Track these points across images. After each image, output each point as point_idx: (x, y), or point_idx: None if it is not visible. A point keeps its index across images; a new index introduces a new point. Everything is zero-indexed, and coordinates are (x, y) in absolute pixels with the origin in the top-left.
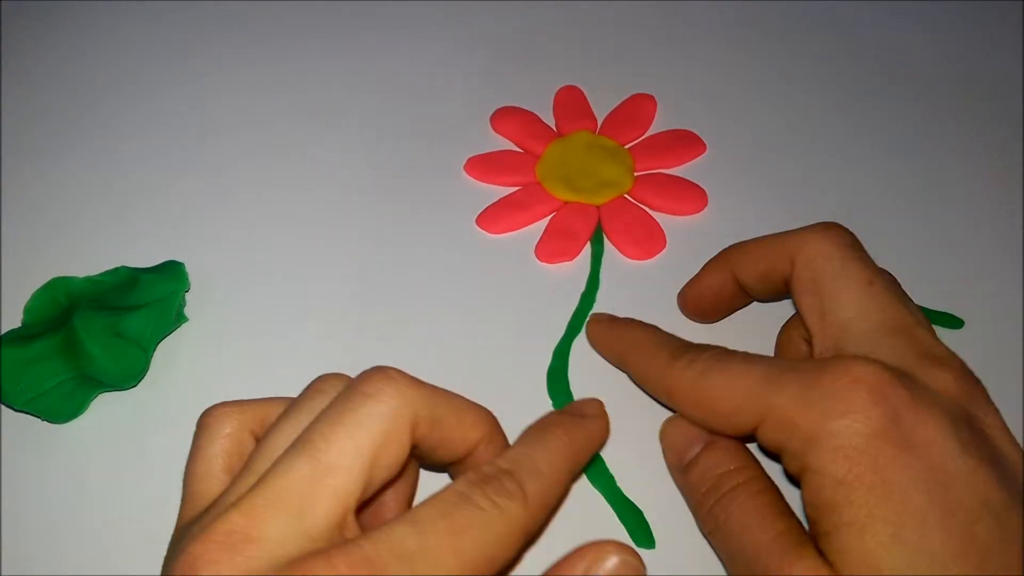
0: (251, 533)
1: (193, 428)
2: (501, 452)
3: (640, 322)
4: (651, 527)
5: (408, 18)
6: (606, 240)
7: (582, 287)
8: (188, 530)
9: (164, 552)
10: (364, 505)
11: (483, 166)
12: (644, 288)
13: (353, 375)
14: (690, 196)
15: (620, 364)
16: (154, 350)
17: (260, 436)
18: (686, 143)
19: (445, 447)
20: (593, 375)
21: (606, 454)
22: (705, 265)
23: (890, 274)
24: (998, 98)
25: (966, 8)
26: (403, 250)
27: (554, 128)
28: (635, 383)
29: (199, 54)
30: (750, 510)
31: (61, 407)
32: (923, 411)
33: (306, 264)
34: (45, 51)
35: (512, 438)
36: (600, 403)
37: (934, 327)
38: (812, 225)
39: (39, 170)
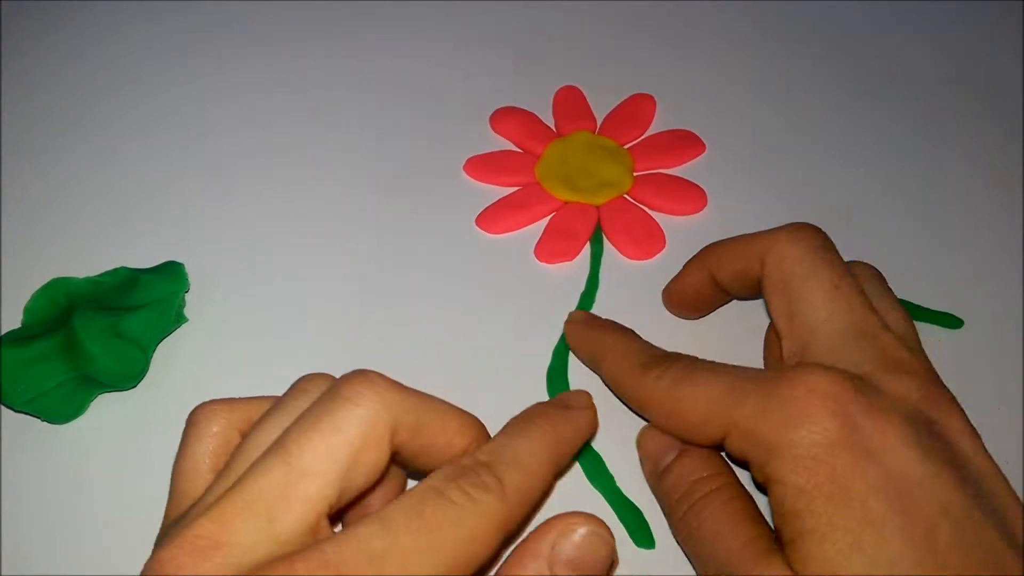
0: (219, 539)
1: None
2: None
3: (616, 325)
4: (651, 527)
5: (408, 18)
6: (606, 240)
7: (582, 287)
8: (167, 532)
9: None
10: (348, 508)
11: (483, 166)
12: (644, 288)
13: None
14: (690, 196)
15: (594, 367)
16: (154, 350)
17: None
18: (686, 143)
19: (428, 454)
20: (593, 375)
21: (606, 454)
22: (686, 264)
23: (871, 271)
24: (998, 98)
25: (966, 8)
26: (403, 250)
27: (554, 128)
28: (607, 387)
29: (199, 54)
30: (722, 516)
31: (61, 407)
32: (881, 418)
33: (306, 264)
34: (45, 51)
35: None
36: (588, 395)
37: (934, 327)
38: (784, 226)
39: (39, 170)
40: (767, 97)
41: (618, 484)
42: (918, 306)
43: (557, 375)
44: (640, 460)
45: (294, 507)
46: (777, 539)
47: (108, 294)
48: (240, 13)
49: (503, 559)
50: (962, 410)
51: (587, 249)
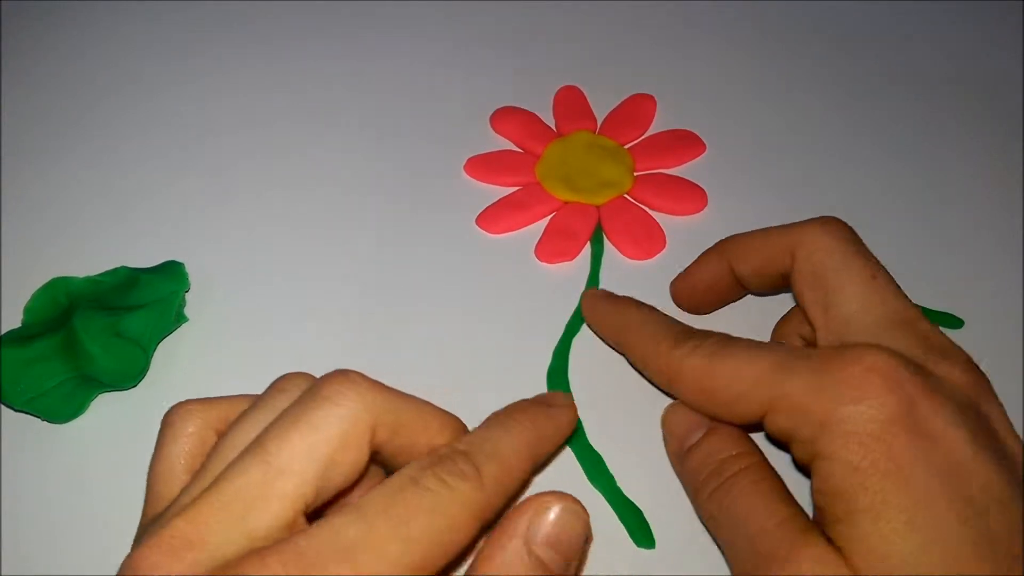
0: (192, 538)
1: None
2: None
3: (639, 302)
4: (651, 527)
5: (408, 18)
6: (606, 240)
7: (582, 287)
8: (144, 532)
9: None
10: (327, 507)
11: (483, 166)
12: (644, 288)
13: None
14: (690, 196)
15: (618, 345)
16: (154, 350)
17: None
18: (686, 143)
19: (408, 453)
20: (593, 375)
21: (606, 454)
22: (700, 256)
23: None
24: (998, 98)
25: (966, 8)
26: (403, 250)
27: (554, 128)
28: (632, 366)
29: (199, 54)
30: (753, 496)
31: (61, 407)
32: (936, 400)
33: (306, 264)
34: (45, 51)
35: None
36: (569, 396)
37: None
38: (812, 219)
39: (39, 170)
40: (767, 97)
41: (618, 484)
42: (918, 306)
43: (557, 375)
44: (664, 438)
45: (271, 505)
46: (817, 519)
47: (108, 294)
48: (240, 13)
49: (479, 546)
50: (1000, 401)
51: (587, 249)
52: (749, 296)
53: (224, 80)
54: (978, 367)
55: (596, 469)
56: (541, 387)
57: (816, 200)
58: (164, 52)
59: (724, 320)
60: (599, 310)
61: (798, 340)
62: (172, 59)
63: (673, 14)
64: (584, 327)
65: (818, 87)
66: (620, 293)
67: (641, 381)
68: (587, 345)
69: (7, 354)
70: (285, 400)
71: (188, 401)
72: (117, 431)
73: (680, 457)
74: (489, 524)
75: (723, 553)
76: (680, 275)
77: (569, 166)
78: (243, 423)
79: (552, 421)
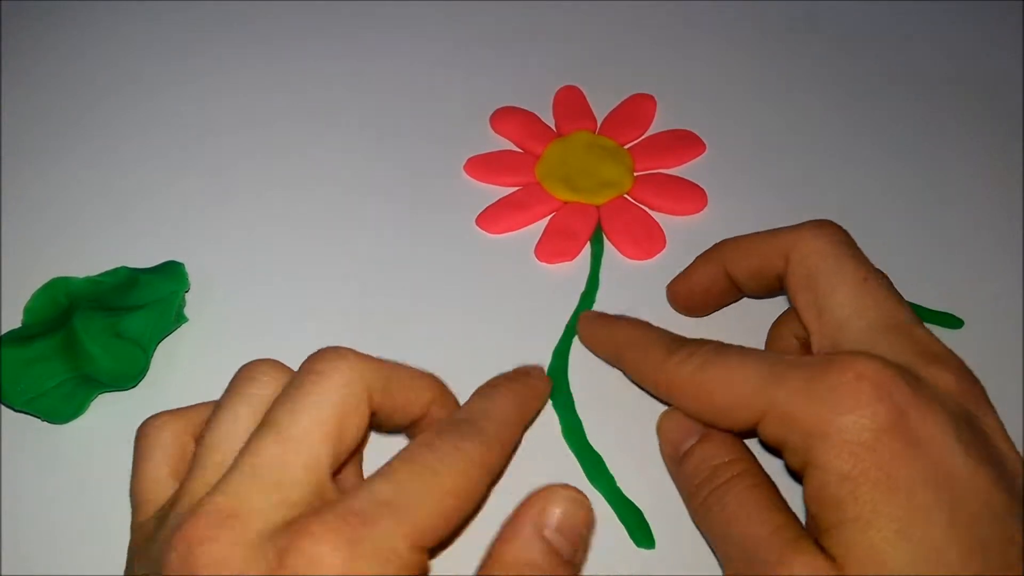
0: (235, 509)
1: None
2: (453, 410)
3: (632, 319)
4: (651, 527)
5: (408, 18)
6: (606, 240)
7: (582, 287)
8: (161, 524)
9: None
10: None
11: (483, 166)
12: (644, 288)
13: None
14: (690, 196)
15: (615, 361)
16: (154, 350)
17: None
18: (686, 143)
19: (401, 411)
20: (593, 375)
21: (606, 454)
22: (696, 259)
23: (882, 273)
24: (998, 98)
25: (966, 8)
26: (403, 250)
27: (554, 128)
28: (631, 380)
29: (199, 54)
30: (746, 502)
31: (61, 407)
32: (926, 409)
33: (306, 264)
34: (45, 51)
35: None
36: (540, 368)
37: (934, 327)
38: (806, 222)
39: (39, 170)
40: (767, 97)
41: (618, 484)
42: (918, 306)
43: (557, 375)
44: (660, 444)
45: (298, 474)
46: (810, 526)
47: (108, 294)
48: (240, 13)
49: (497, 531)
50: (994, 407)
51: (587, 249)
52: (745, 298)
53: (224, 80)
54: (971, 373)
55: (596, 469)
56: None
57: (816, 200)
58: (164, 52)
59: (720, 322)
60: (593, 331)
61: (794, 341)
62: (172, 59)
63: (673, 14)
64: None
65: (818, 87)
66: (620, 293)
67: None
68: None
69: (7, 354)
70: (259, 387)
71: (158, 414)
72: (117, 431)
73: (675, 462)
74: (496, 476)
75: (716, 557)
76: (676, 278)
77: (569, 166)
78: (224, 414)
79: (530, 388)
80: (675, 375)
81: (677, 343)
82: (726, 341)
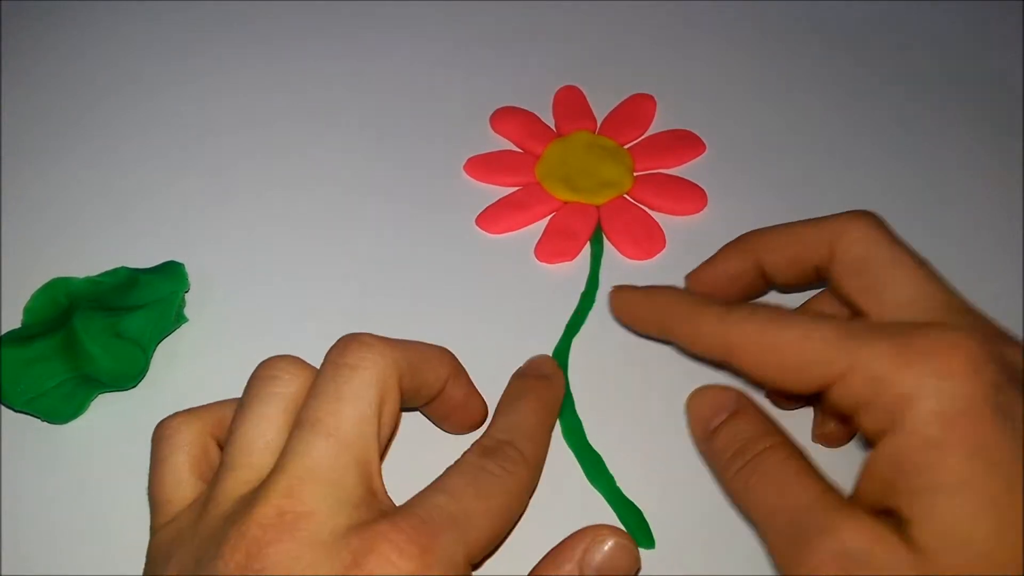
0: (299, 510)
1: None
2: (468, 390)
3: (668, 286)
4: (651, 527)
5: (408, 18)
6: (606, 240)
7: (582, 287)
8: (197, 524)
9: None
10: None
11: (483, 166)
12: None
13: None
14: (690, 196)
15: (660, 329)
16: (154, 350)
17: (221, 437)
18: (686, 143)
19: (424, 389)
20: (593, 375)
21: (606, 454)
22: (722, 249)
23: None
24: (998, 98)
25: (966, 8)
26: (403, 250)
27: (554, 128)
28: (680, 347)
29: (199, 54)
30: (784, 471)
31: (61, 407)
32: (1016, 386)
33: (306, 264)
34: (45, 51)
35: None
36: (552, 360)
37: None
38: (847, 212)
39: (39, 170)
40: (767, 97)
41: (618, 484)
42: None
43: None
44: (689, 423)
45: (351, 473)
46: (864, 493)
47: (108, 294)
48: (240, 13)
49: (538, 562)
50: None
51: (587, 249)
52: (788, 293)
53: (224, 80)
54: None
55: (596, 469)
56: None
57: (816, 200)
58: (164, 52)
59: None
60: (631, 302)
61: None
62: (172, 59)
63: (673, 14)
64: (584, 327)
65: (818, 87)
66: None
67: (641, 381)
68: (587, 345)
69: (7, 354)
70: (281, 386)
71: (176, 414)
72: (117, 431)
73: (705, 439)
74: (534, 489)
75: (755, 531)
76: (699, 268)
77: (569, 166)
78: (250, 415)
79: (552, 391)
80: (737, 334)
81: (729, 303)
82: None
